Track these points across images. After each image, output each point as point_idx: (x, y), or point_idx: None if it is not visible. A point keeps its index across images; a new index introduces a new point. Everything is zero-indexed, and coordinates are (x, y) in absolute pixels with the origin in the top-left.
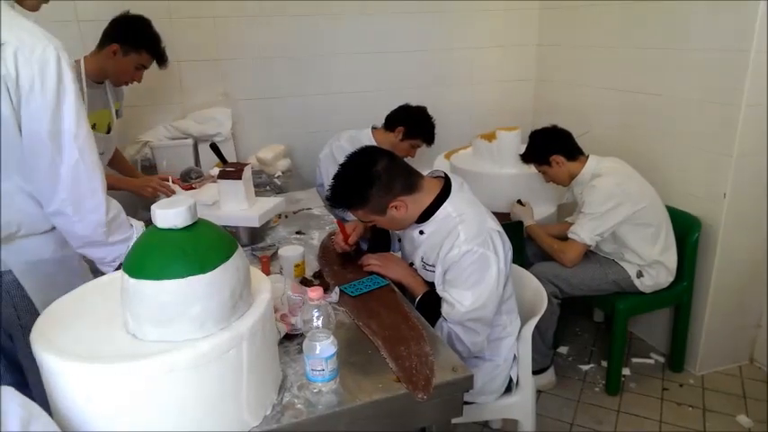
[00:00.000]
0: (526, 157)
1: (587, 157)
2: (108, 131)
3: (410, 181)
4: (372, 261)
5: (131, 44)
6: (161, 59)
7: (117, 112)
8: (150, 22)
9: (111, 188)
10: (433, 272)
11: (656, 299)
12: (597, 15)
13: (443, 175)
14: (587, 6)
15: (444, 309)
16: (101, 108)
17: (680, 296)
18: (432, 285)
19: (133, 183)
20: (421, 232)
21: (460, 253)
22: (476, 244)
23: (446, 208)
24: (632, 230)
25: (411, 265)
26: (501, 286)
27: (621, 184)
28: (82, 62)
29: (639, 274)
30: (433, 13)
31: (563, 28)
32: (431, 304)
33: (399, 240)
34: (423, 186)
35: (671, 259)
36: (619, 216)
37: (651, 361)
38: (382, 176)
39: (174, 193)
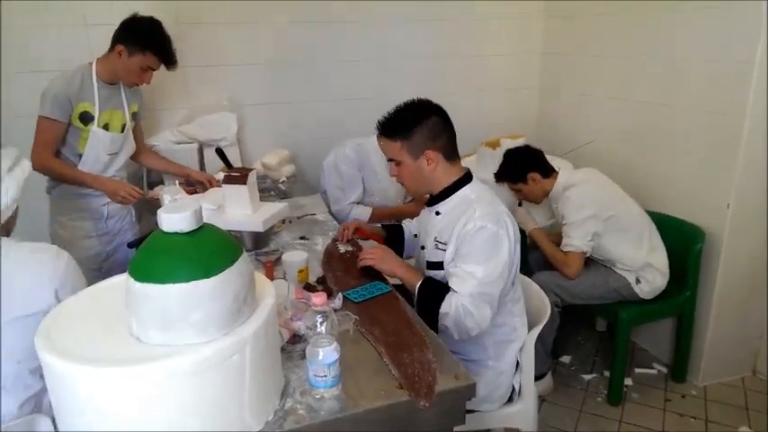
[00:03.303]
0: (501, 176)
1: (557, 172)
2: (122, 131)
3: (451, 149)
4: (366, 255)
5: (136, 45)
6: (168, 61)
7: (135, 114)
8: (160, 24)
9: (87, 187)
10: (444, 251)
11: (658, 308)
12: (601, 25)
13: (467, 169)
14: (591, 16)
15: (455, 283)
16: (114, 108)
17: (683, 306)
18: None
19: (107, 186)
20: (437, 213)
21: (475, 227)
22: (490, 221)
23: (465, 190)
24: (613, 237)
25: (422, 248)
26: (509, 269)
27: (589, 193)
28: (94, 64)
29: (638, 281)
30: (437, 21)
31: (567, 37)
32: (431, 289)
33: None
34: (456, 164)
35: (660, 261)
36: (598, 221)
37: (654, 371)
38: (437, 124)
39: (141, 195)
